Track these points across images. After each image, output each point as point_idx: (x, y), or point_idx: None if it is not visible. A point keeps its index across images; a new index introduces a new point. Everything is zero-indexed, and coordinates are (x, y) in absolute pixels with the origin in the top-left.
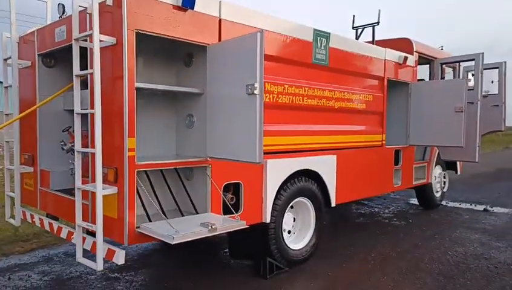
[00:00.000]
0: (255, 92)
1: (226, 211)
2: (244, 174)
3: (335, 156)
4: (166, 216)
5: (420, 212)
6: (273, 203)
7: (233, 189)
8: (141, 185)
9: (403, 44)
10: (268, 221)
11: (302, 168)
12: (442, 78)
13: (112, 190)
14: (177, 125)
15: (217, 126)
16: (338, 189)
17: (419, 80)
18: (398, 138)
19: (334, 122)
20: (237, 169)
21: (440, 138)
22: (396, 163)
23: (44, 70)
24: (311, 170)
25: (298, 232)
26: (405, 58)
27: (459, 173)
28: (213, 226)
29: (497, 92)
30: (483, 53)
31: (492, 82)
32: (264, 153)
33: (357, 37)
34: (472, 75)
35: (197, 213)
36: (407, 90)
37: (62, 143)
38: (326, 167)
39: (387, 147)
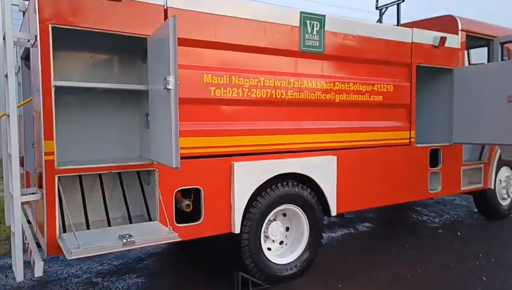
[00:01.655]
0: (169, 86)
1: (187, 218)
2: (205, 179)
3: (335, 157)
4: (109, 224)
5: (479, 223)
6: (246, 211)
7: (195, 195)
8: (60, 191)
9: (445, 23)
10: (238, 231)
11: (286, 172)
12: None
13: (35, 196)
14: (140, 125)
15: (154, 126)
16: (339, 196)
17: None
18: (439, 134)
19: (334, 118)
20: (195, 173)
21: (490, 135)
22: (434, 165)
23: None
24: (301, 174)
25: (290, 244)
26: (443, 39)
27: None
28: (129, 239)
29: None
30: None
31: None
32: (231, 155)
33: (380, 18)
34: None
35: (150, 221)
36: (450, 78)
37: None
38: (322, 170)
39: (417, 145)
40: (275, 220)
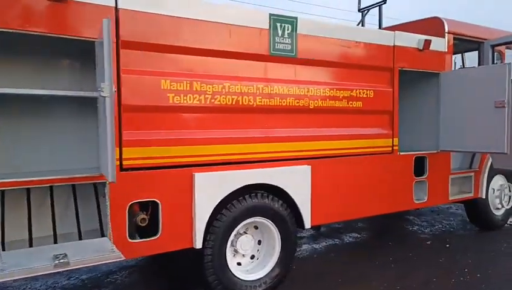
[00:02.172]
0: (103, 94)
1: (144, 233)
2: (163, 191)
3: (309, 166)
4: (55, 240)
5: (471, 234)
6: (209, 224)
7: (153, 208)
8: None
9: (431, 25)
10: (199, 246)
11: (254, 183)
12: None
13: None
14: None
15: (99, 136)
16: (314, 207)
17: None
18: (427, 142)
19: (308, 125)
20: (152, 185)
21: (477, 142)
22: (420, 173)
23: None
24: (270, 185)
25: (262, 258)
26: (427, 42)
27: None
28: (62, 260)
29: None
30: None
31: None
32: (192, 165)
33: (362, 20)
34: None
35: (103, 236)
36: (437, 82)
37: None
38: (294, 180)
39: (401, 153)
40: (246, 233)
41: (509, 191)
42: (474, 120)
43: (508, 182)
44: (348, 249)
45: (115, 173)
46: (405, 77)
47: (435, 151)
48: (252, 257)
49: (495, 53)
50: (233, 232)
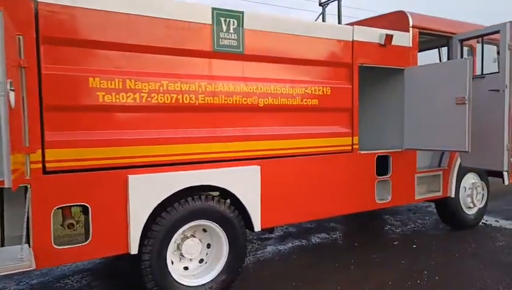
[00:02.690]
0: None
1: (73, 240)
2: (94, 195)
3: (259, 167)
4: None
5: (443, 233)
6: (146, 229)
7: (84, 212)
8: None
9: (395, 19)
10: (135, 252)
11: (196, 184)
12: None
13: None
14: None
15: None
16: (264, 209)
17: None
18: (391, 140)
19: (257, 124)
20: (81, 188)
21: (440, 141)
22: (383, 173)
23: None
24: (215, 186)
25: (210, 262)
26: (388, 36)
27: (506, 182)
28: None
29: None
30: (511, 22)
31: None
32: (127, 167)
33: (323, 13)
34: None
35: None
36: (402, 79)
37: None
38: (242, 181)
39: (361, 152)
40: (193, 236)
41: (482, 189)
42: (436, 118)
43: (481, 180)
44: (313, 250)
45: (11, 178)
46: (370, 73)
47: (399, 150)
48: (201, 261)
49: (467, 48)
50: (175, 236)
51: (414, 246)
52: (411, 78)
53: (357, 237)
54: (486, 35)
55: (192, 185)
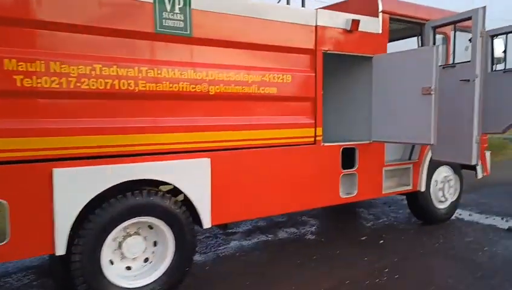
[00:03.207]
0: None
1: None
2: (11, 190)
3: (208, 159)
4: None
5: (413, 228)
6: (76, 227)
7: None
8: None
9: (365, 4)
10: (62, 252)
11: (135, 179)
12: None
13: None
14: None
15: None
16: (215, 205)
17: None
18: (360, 132)
19: (207, 113)
20: None
21: (406, 133)
22: (349, 166)
23: None
24: (159, 180)
25: (155, 262)
26: (355, 22)
27: (479, 176)
28: None
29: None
30: (484, 8)
31: None
32: (52, 160)
33: None
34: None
35: None
36: (370, 67)
37: None
38: (188, 175)
39: (325, 144)
40: (138, 234)
41: (455, 183)
42: (402, 108)
43: (454, 173)
44: (278, 246)
45: None
46: (338, 61)
47: (367, 142)
48: (146, 260)
49: (441, 36)
50: (113, 235)
51: (382, 241)
52: (379, 66)
53: (326, 232)
54: (458, 22)
55: (129, 179)
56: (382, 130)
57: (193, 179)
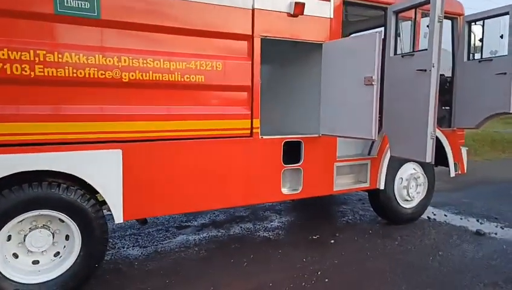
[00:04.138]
0: None
1: None
2: None
3: (120, 151)
4: None
5: (375, 228)
6: None
7: None
8: None
9: None
10: None
11: (31, 169)
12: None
13: None
14: None
15: None
16: (127, 199)
17: None
18: (309, 124)
19: (119, 102)
20: None
21: (350, 126)
22: (293, 160)
23: None
24: (61, 172)
25: (64, 257)
26: (298, 5)
27: (452, 174)
28: None
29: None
30: None
31: (501, 36)
32: None
33: None
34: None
35: None
36: (320, 55)
37: None
38: (96, 166)
39: (264, 137)
40: (47, 227)
41: (424, 181)
42: (348, 100)
43: (423, 170)
44: (222, 243)
45: None
46: (289, 48)
47: (315, 136)
48: (57, 254)
49: (410, 22)
50: (8, 228)
51: (333, 241)
52: (328, 54)
53: (280, 229)
54: (419, 6)
55: (26, 170)
56: (330, 123)
57: (102, 171)
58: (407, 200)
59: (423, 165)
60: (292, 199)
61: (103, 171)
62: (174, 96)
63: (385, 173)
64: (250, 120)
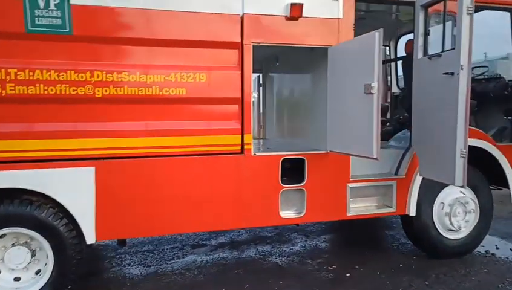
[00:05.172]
0: None
1: None
2: None
3: (93, 168)
4: None
5: (407, 262)
6: None
7: None
8: None
9: None
10: None
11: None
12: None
13: None
14: None
15: None
16: (101, 219)
17: None
18: (317, 139)
19: (92, 118)
20: None
21: (351, 142)
22: (298, 180)
23: None
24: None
25: (42, 275)
26: (295, 7)
27: None
28: None
29: None
30: None
31: None
32: None
33: None
34: None
35: None
36: (327, 61)
37: None
38: (67, 185)
39: (257, 154)
40: (27, 244)
41: (476, 207)
42: (348, 111)
43: (475, 194)
44: (228, 266)
45: None
46: (295, 55)
47: (322, 152)
48: (39, 271)
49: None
50: None
51: (348, 274)
52: (334, 60)
53: (297, 256)
54: None
55: None
56: (337, 138)
57: (73, 189)
58: (452, 230)
59: (476, 187)
60: (296, 223)
61: (75, 190)
62: (153, 111)
63: (416, 197)
64: (240, 135)
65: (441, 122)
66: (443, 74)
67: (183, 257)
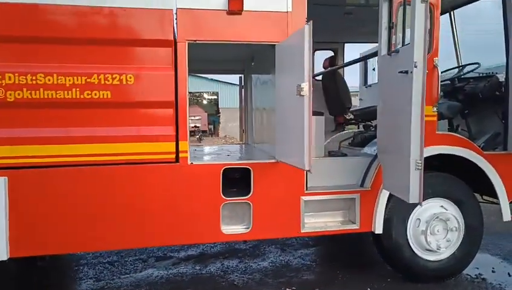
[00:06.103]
0: None
1: None
2: None
3: (5, 178)
4: None
5: (390, 282)
6: None
7: None
8: None
9: None
10: None
11: None
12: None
13: None
14: None
15: None
16: (14, 234)
17: None
18: (267, 147)
19: (2, 124)
20: None
21: (287, 150)
22: (240, 193)
23: None
24: None
25: None
26: (234, 0)
27: (507, 217)
28: None
29: None
30: None
31: None
32: None
33: None
34: None
35: None
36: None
37: None
38: None
39: (194, 163)
40: None
41: (460, 224)
42: (285, 116)
43: (458, 209)
44: (179, 284)
45: None
46: (268, 53)
47: (271, 161)
48: None
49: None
50: None
51: None
52: (280, 57)
53: (260, 273)
54: None
55: None
56: (280, 146)
57: None
58: (430, 251)
59: (460, 202)
60: (243, 240)
61: None
62: (73, 115)
63: (382, 212)
64: (174, 142)
65: (399, 129)
66: (399, 72)
67: (140, 271)
